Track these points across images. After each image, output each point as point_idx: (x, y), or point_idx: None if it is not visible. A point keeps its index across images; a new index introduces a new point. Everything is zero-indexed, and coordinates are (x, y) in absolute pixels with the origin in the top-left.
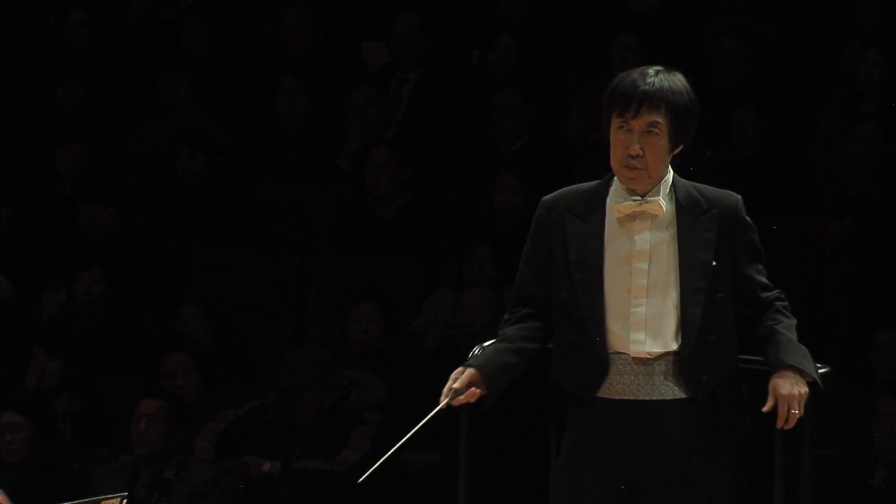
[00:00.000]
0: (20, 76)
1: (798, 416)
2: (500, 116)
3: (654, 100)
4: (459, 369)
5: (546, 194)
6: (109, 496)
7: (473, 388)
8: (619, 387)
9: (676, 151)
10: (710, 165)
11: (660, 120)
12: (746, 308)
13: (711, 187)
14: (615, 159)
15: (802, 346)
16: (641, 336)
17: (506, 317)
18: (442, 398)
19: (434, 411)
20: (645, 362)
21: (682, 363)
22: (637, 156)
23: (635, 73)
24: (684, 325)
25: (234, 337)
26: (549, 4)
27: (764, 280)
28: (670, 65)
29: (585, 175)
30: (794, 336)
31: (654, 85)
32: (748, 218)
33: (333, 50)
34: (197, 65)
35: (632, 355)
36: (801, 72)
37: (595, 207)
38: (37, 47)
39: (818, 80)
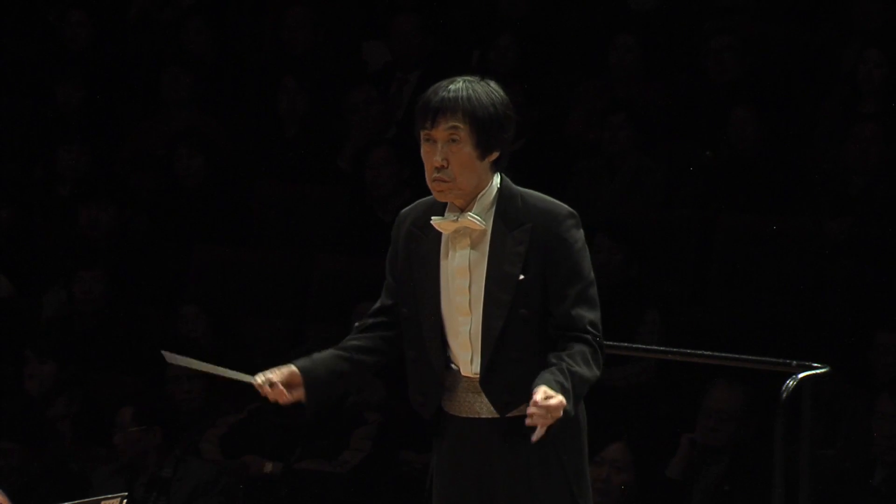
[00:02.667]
0: (20, 76)
1: (545, 417)
2: None
3: (451, 107)
4: (287, 365)
5: (545, 194)
6: (109, 496)
7: (284, 389)
8: (464, 405)
9: (491, 159)
10: (710, 165)
11: (458, 125)
12: (554, 330)
13: (545, 198)
14: (427, 176)
15: (572, 381)
16: (468, 355)
17: (356, 324)
18: (257, 378)
19: (241, 378)
20: (475, 380)
21: (482, 380)
22: (441, 167)
23: (438, 85)
24: (484, 342)
25: (234, 337)
26: (549, 4)
27: (581, 311)
28: (670, 64)
29: (585, 175)
30: (569, 374)
31: (451, 93)
32: (573, 234)
33: (333, 50)
34: (197, 65)
35: (462, 374)
36: (801, 72)
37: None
38: (37, 47)
39: (818, 80)
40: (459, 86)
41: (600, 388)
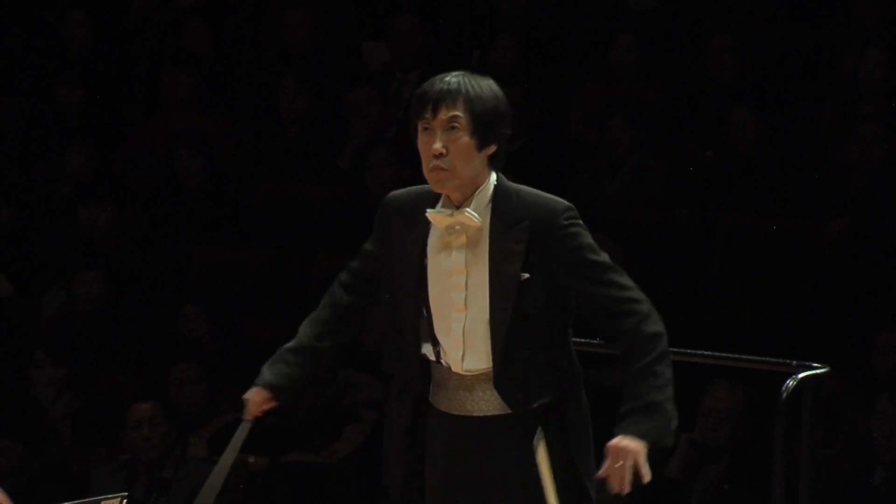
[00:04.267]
0: (20, 76)
1: (625, 470)
2: None
3: (452, 95)
4: (253, 391)
5: (546, 193)
6: (109, 496)
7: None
8: (455, 402)
9: (488, 152)
10: (710, 165)
11: (459, 114)
12: (603, 328)
13: (539, 194)
14: (424, 166)
15: (658, 411)
16: (459, 352)
17: (322, 301)
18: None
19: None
20: (466, 378)
21: (496, 379)
22: (440, 154)
23: (435, 78)
24: (494, 341)
25: (234, 337)
26: (549, 4)
27: (616, 293)
28: (670, 64)
29: (585, 175)
30: (654, 391)
31: (450, 84)
32: (575, 226)
33: (333, 50)
34: (197, 65)
35: (454, 371)
36: (801, 72)
37: (422, 215)
38: (37, 47)
39: (818, 80)
40: (459, 78)
41: (599, 388)
